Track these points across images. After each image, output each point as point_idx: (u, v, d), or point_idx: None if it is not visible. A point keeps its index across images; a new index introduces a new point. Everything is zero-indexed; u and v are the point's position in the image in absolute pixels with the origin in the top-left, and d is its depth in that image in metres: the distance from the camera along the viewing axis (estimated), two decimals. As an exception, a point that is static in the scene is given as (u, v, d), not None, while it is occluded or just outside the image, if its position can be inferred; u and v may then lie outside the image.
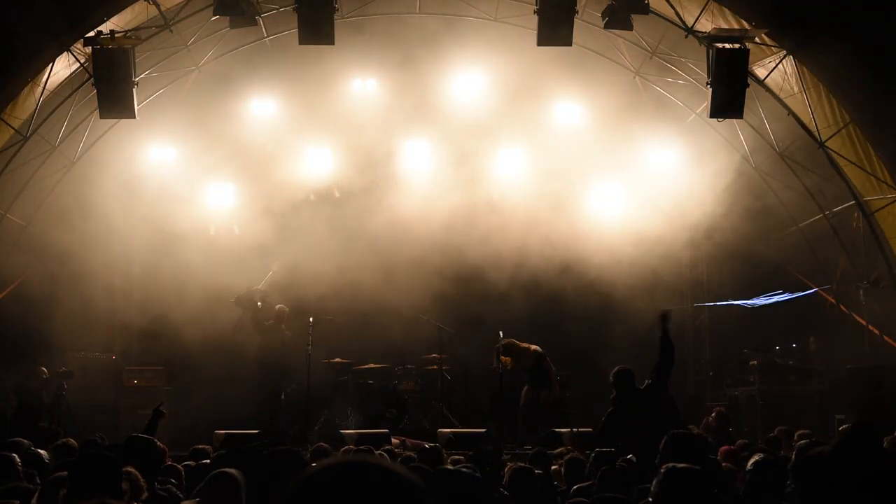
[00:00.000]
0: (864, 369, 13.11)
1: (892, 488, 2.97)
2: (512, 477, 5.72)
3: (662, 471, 3.68)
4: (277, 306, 14.18)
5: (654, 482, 3.69)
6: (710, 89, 12.43)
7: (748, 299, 15.30)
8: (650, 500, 3.74)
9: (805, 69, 12.64)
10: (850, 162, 12.98)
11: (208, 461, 7.02)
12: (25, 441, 7.88)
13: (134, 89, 12.25)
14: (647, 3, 12.22)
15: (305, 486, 1.50)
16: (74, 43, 12.21)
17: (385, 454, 8.07)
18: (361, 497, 1.49)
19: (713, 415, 11.44)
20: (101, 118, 12.93)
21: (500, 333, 14.28)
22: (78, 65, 12.65)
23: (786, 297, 14.24)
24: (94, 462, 4.48)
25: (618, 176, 15.67)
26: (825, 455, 3.12)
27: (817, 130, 12.93)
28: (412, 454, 7.97)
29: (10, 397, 13.15)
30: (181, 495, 6.31)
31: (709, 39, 12.32)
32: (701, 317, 16.90)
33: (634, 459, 6.96)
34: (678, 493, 3.59)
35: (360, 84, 14.99)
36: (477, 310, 15.42)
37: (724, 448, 8.00)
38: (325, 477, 1.51)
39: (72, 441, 9.43)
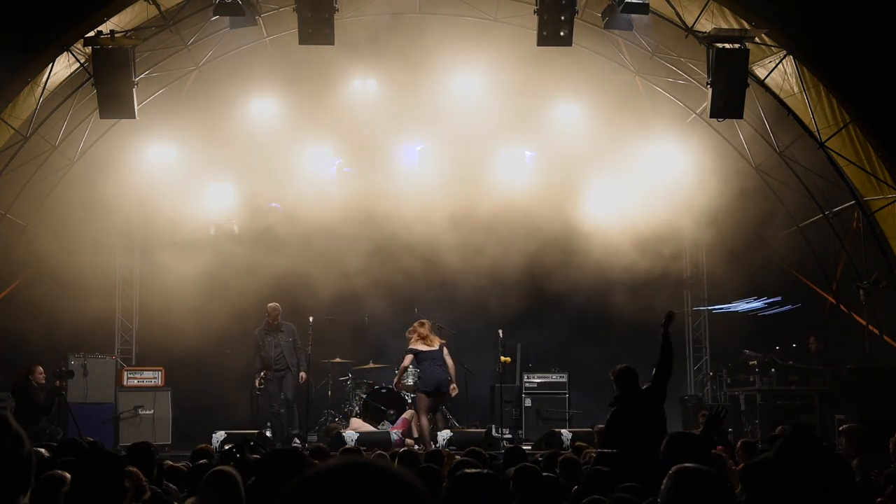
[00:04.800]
0: (864, 369, 13.10)
1: (835, 489, 2.97)
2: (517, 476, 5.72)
3: (672, 472, 3.67)
4: (269, 304, 14.07)
5: (664, 483, 3.67)
6: (710, 89, 12.42)
7: (747, 300, 15.25)
8: (658, 500, 3.72)
9: (805, 69, 12.63)
10: (850, 162, 12.97)
11: (205, 461, 7.01)
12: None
13: (134, 89, 12.25)
14: (647, 3, 12.22)
15: (306, 487, 1.50)
16: (74, 43, 12.19)
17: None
18: (363, 499, 1.48)
19: (701, 420, 11.42)
20: (101, 118, 12.92)
21: (500, 332, 14.29)
22: (78, 65, 12.64)
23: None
24: (98, 460, 4.47)
25: (617, 176, 15.67)
26: (769, 460, 3.12)
27: (817, 130, 12.92)
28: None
29: (10, 397, 13.15)
30: (184, 494, 6.32)
31: (709, 39, 12.31)
32: (700, 317, 16.91)
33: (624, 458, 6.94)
34: (688, 494, 3.57)
35: (360, 84, 14.99)
36: (477, 309, 15.43)
37: (719, 447, 7.98)
38: (327, 477, 1.51)
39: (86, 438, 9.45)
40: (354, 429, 13.37)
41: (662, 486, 3.65)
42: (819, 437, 4.07)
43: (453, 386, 13.00)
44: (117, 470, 4.45)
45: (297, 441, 13.34)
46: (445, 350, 13.09)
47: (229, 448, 7.50)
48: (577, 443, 10.80)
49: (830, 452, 3.29)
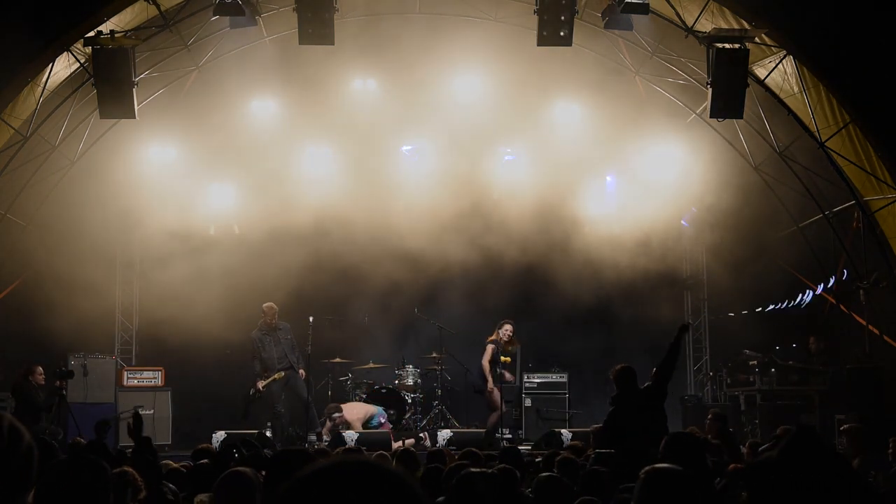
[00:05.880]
0: (864, 369, 13.09)
1: (838, 490, 2.97)
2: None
3: (642, 474, 3.64)
4: (265, 305, 14.08)
5: (636, 485, 3.66)
6: (710, 89, 12.42)
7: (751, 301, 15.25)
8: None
9: (805, 69, 12.63)
10: (850, 162, 12.97)
11: (205, 461, 7.01)
12: None
13: (134, 89, 12.25)
14: (647, 3, 12.21)
15: (299, 487, 1.50)
16: (74, 43, 12.20)
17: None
18: (356, 498, 1.48)
19: (709, 417, 11.42)
20: (101, 118, 12.93)
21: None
22: (78, 65, 12.65)
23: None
24: (80, 466, 4.20)
25: (617, 176, 15.67)
26: (772, 460, 3.12)
27: (817, 130, 12.92)
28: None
29: (10, 397, 13.15)
30: (184, 494, 6.31)
31: (709, 39, 12.31)
32: (700, 317, 16.90)
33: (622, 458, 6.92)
34: (660, 495, 3.55)
35: (360, 84, 14.99)
36: (477, 309, 15.43)
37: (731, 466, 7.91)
38: (321, 477, 1.50)
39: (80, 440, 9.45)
40: (347, 416, 13.53)
41: (635, 487, 3.64)
42: (822, 438, 4.05)
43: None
44: (101, 476, 4.18)
45: (315, 437, 13.47)
46: (487, 348, 14.08)
47: (227, 448, 7.49)
48: (572, 442, 10.79)
49: (835, 453, 3.28)
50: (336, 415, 13.73)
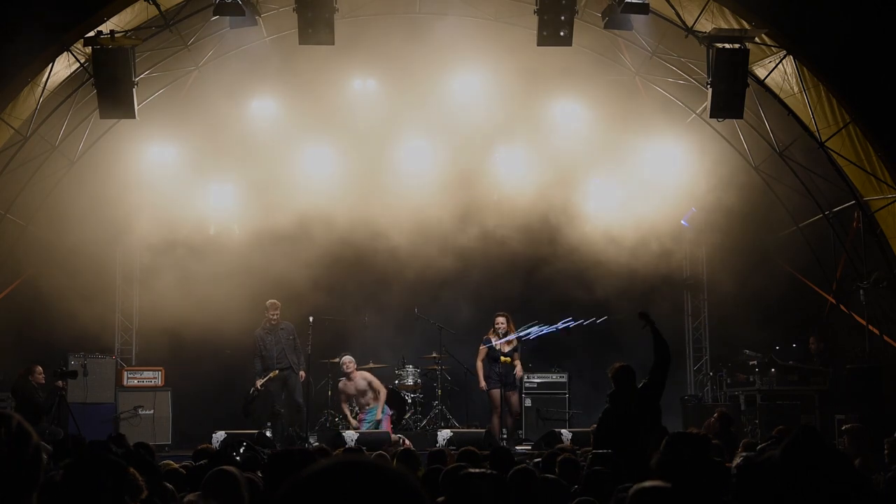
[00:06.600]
0: (864, 369, 13.09)
1: (841, 489, 2.97)
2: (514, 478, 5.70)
3: (631, 493, 3.62)
4: (268, 301, 14.13)
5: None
6: (710, 89, 12.42)
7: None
8: None
9: (805, 69, 12.64)
10: (850, 162, 12.98)
11: (205, 461, 7.01)
12: None
13: (134, 89, 12.26)
14: (647, 3, 12.22)
15: (300, 487, 1.50)
16: (74, 43, 12.20)
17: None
18: (358, 498, 1.48)
19: (715, 415, 11.42)
20: (101, 118, 12.93)
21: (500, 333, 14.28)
22: (78, 65, 12.65)
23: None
24: (98, 465, 4.16)
25: (617, 177, 15.66)
26: (774, 460, 3.11)
27: (817, 130, 12.93)
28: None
29: (10, 397, 13.15)
30: (182, 494, 6.31)
31: (709, 39, 12.31)
32: (700, 317, 16.90)
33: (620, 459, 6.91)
34: None
35: (359, 84, 14.99)
36: (477, 309, 15.43)
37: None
38: (320, 477, 1.50)
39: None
40: (362, 375, 13.94)
41: None
42: (824, 438, 4.04)
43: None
44: (120, 475, 4.14)
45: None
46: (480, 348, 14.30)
47: (225, 448, 7.49)
48: (560, 445, 10.79)
49: (837, 453, 3.27)
50: (346, 358, 13.76)
